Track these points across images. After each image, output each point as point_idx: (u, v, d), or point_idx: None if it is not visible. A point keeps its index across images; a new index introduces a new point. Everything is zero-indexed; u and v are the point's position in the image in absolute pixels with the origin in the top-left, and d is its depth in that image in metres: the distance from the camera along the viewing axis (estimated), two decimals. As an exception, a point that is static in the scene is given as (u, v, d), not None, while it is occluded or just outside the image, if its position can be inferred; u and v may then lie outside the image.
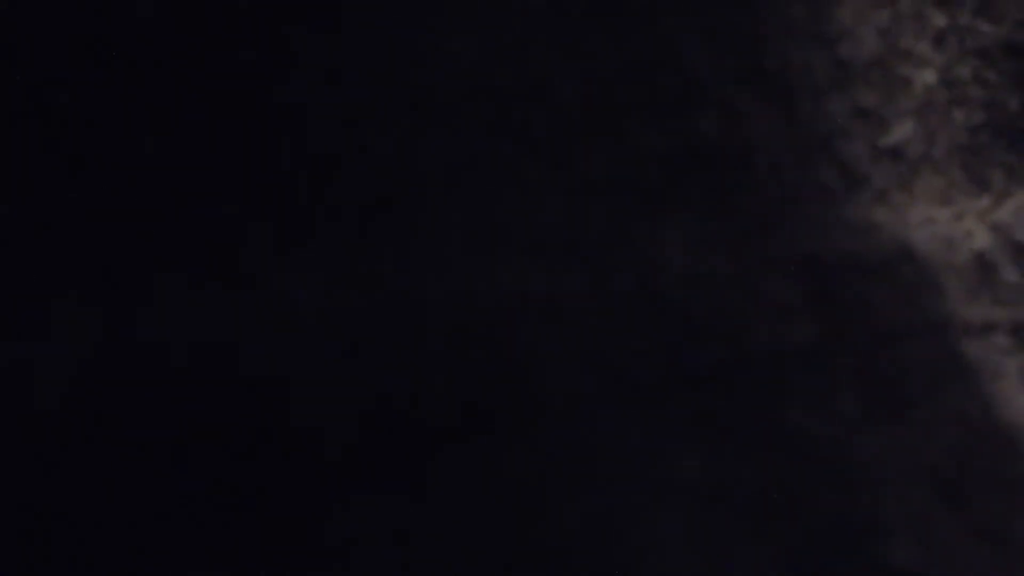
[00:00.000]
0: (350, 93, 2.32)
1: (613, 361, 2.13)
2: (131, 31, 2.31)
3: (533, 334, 2.14)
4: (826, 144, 2.38)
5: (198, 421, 2.02)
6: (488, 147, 2.29)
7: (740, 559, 1.98)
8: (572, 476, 2.02)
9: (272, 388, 2.06)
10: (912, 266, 2.27)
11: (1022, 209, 2.36)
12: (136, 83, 2.26)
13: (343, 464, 2.01)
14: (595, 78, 2.38)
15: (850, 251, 2.27)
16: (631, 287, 2.21)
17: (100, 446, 1.99)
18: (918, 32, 2.53)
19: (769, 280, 2.23)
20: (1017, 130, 2.44)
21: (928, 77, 2.48)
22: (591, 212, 2.27)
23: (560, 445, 2.05)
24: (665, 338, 2.16)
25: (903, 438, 2.10)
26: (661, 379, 2.12)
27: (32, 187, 2.18)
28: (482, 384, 2.09)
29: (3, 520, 1.93)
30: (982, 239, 2.32)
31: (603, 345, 2.14)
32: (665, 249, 2.25)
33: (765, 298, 2.21)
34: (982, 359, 2.19)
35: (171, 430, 2.01)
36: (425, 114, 2.31)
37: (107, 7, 2.31)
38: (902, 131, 2.41)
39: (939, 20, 2.54)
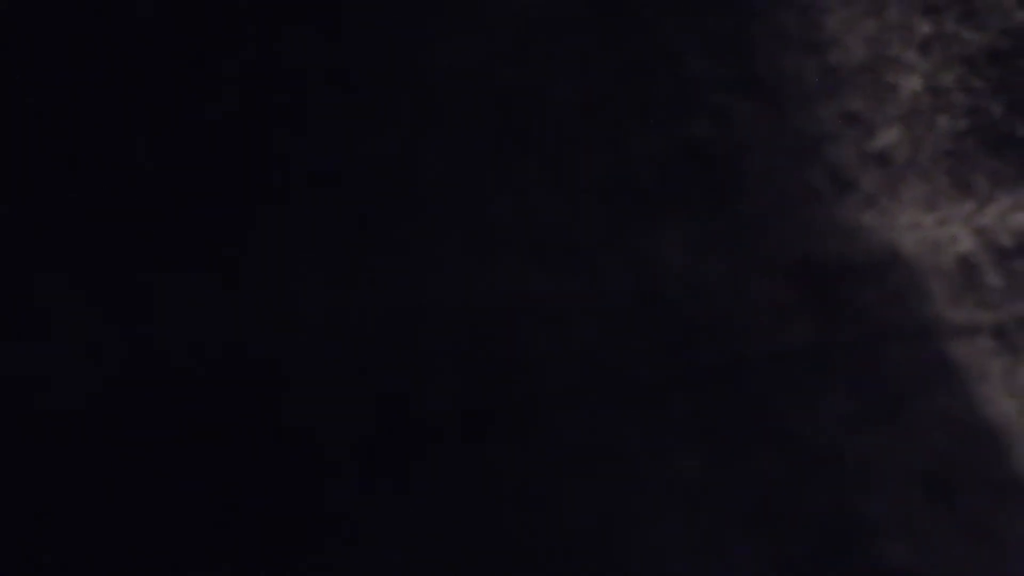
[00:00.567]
0: (350, 93, 2.32)
1: (610, 362, 2.14)
2: (131, 31, 2.30)
3: (531, 334, 2.15)
4: (816, 148, 2.40)
5: (198, 421, 2.01)
6: (488, 147, 2.30)
7: (733, 557, 1.99)
8: (570, 475, 2.03)
9: (272, 388, 2.06)
10: (899, 269, 2.30)
11: (1006, 213, 2.38)
12: (136, 83, 2.25)
13: (343, 464, 2.01)
14: (592, 81, 2.40)
15: (839, 254, 2.29)
16: (628, 288, 2.22)
17: (100, 446, 1.98)
18: (904, 40, 2.56)
19: (761, 282, 2.25)
20: (1001, 136, 2.47)
21: (914, 83, 2.51)
22: (588, 213, 2.28)
23: (558, 444, 2.05)
24: (662, 339, 2.17)
25: (892, 438, 2.12)
26: (658, 379, 2.13)
27: (32, 187, 2.17)
28: (481, 384, 2.10)
29: (3, 520, 1.92)
30: (966, 243, 2.34)
31: (600, 346, 2.15)
32: (660, 251, 2.26)
33: (757, 300, 2.23)
34: (967, 361, 2.22)
35: (171, 430, 2.00)
36: (425, 114, 2.31)
37: (107, 7, 2.30)
38: (889, 136, 2.44)
39: (925, 28, 2.57)
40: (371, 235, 2.22)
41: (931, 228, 2.35)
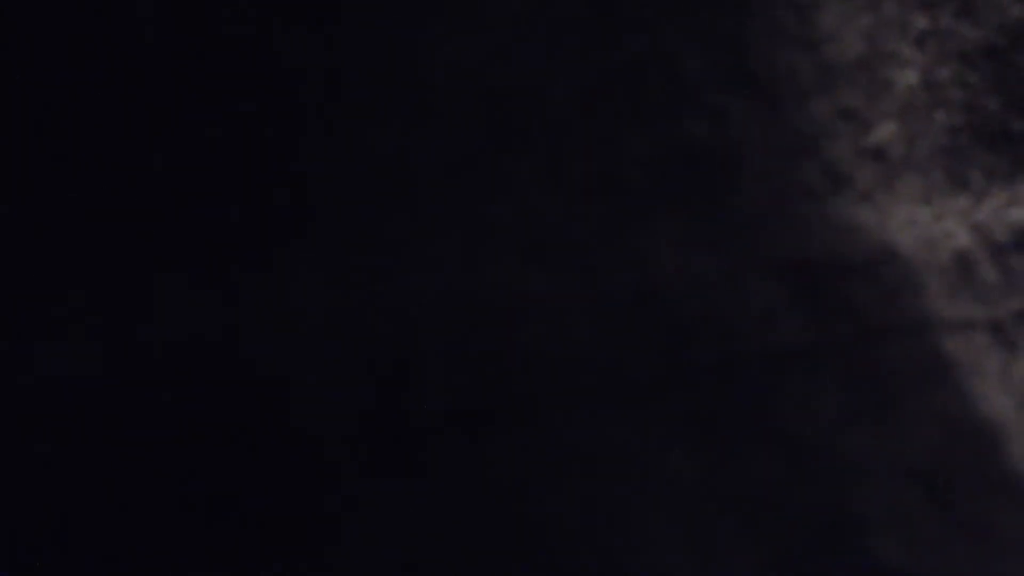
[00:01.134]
0: (350, 93, 2.32)
1: (608, 361, 2.15)
2: (131, 31, 2.30)
3: (529, 333, 2.15)
4: (811, 145, 2.41)
5: (198, 421, 2.02)
6: (486, 147, 2.30)
7: (729, 554, 2.00)
8: (568, 474, 2.04)
9: (272, 388, 2.06)
10: (894, 265, 2.30)
11: (1001, 209, 2.39)
12: (136, 83, 2.25)
13: (343, 463, 2.01)
14: (588, 80, 2.40)
15: (834, 250, 2.29)
16: (625, 287, 2.23)
17: (100, 445, 1.99)
18: (900, 35, 2.56)
19: (757, 280, 2.25)
20: (997, 131, 2.47)
21: (910, 79, 2.51)
22: (585, 212, 2.28)
23: (556, 443, 2.06)
24: (658, 337, 2.18)
25: (887, 435, 2.13)
26: (654, 378, 2.14)
27: (32, 187, 2.17)
28: (480, 384, 2.10)
29: (3, 519, 1.92)
30: (962, 238, 2.35)
31: (598, 345, 2.16)
32: (657, 249, 2.27)
33: (753, 297, 2.24)
34: (962, 356, 2.22)
35: (171, 430, 2.01)
36: (424, 114, 2.31)
37: (107, 7, 2.30)
38: (884, 132, 2.44)
39: (921, 23, 2.57)
40: (370, 235, 2.22)
41: (927, 224, 2.35)
